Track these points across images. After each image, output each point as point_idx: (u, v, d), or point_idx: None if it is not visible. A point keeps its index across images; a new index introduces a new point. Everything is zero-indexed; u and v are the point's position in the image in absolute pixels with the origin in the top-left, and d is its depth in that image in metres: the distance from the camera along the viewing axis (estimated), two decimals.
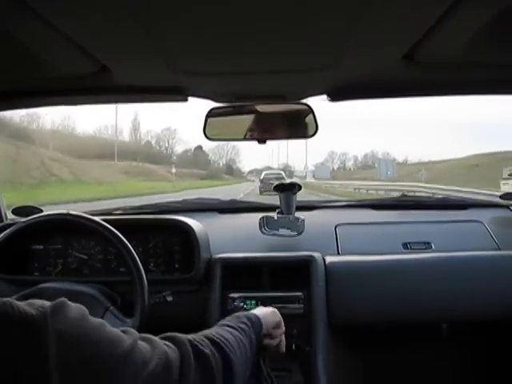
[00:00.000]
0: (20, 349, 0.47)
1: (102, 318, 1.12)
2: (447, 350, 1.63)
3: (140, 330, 0.63)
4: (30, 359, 0.47)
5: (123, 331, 0.58)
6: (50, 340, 0.48)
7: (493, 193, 7.27)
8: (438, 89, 1.23)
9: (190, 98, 1.24)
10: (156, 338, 0.63)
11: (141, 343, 0.59)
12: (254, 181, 31.62)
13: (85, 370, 0.50)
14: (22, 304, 0.50)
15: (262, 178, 21.13)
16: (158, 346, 0.60)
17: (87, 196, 13.23)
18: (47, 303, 0.52)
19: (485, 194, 7.56)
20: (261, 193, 16.35)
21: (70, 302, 0.54)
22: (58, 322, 0.50)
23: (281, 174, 23.66)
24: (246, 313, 0.84)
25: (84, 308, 0.56)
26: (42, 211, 1.42)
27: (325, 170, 44.90)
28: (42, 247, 1.42)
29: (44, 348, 0.48)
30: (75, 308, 0.55)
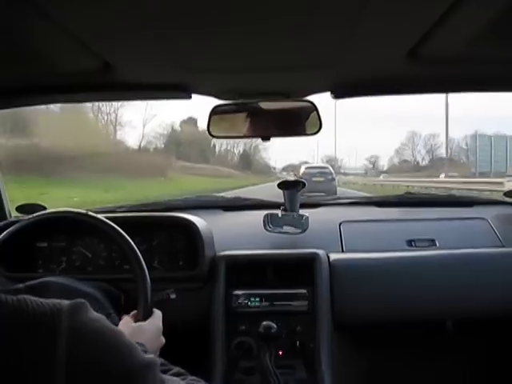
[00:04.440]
0: (27, 346, 0.46)
1: None
2: (452, 347, 1.63)
3: None
4: (37, 358, 0.46)
5: (144, 351, 0.57)
6: (60, 339, 0.47)
7: None
8: (443, 85, 1.22)
9: (193, 95, 1.24)
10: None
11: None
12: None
13: (98, 371, 0.49)
14: (38, 301, 0.49)
15: (301, 173, 16.25)
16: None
17: None
18: (65, 302, 0.51)
19: None
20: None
21: (89, 306, 0.53)
22: (74, 320, 0.49)
23: (327, 168, 18.09)
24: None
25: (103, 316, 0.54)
26: (45, 209, 1.42)
27: None
28: (46, 245, 1.42)
29: (52, 347, 0.46)
30: (94, 312, 0.54)
